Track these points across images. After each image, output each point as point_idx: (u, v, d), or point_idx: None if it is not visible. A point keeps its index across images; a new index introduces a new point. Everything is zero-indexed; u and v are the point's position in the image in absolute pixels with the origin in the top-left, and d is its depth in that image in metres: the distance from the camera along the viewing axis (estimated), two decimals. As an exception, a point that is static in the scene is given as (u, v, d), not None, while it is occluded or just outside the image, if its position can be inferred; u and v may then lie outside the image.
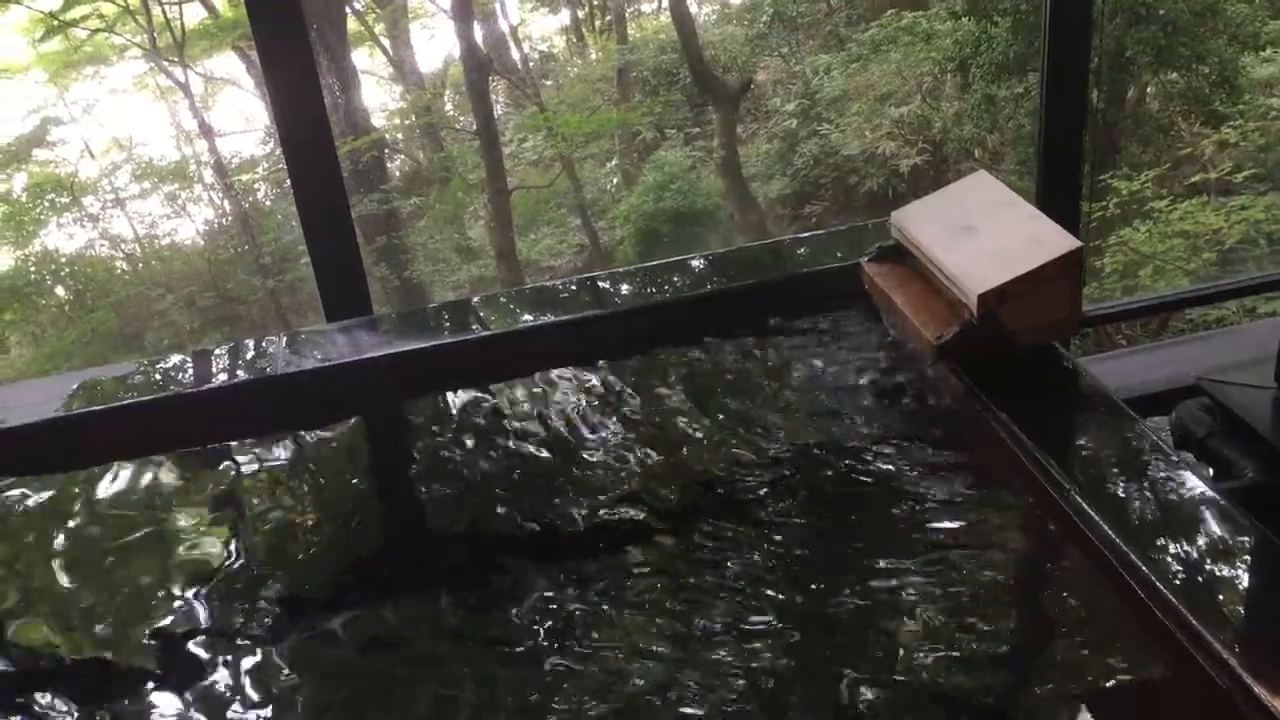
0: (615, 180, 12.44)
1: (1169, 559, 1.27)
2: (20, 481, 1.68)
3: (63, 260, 11.25)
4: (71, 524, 1.65)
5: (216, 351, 2.11)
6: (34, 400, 1.81)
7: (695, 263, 2.23)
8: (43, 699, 1.36)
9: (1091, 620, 1.31)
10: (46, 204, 11.10)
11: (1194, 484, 1.38)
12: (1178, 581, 1.22)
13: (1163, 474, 1.40)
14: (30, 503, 1.67)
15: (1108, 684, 1.22)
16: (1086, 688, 1.23)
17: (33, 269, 11.03)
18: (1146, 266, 8.06)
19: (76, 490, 1.69)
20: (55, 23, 10.62)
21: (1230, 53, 8.20)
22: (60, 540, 1.63)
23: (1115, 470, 1.44)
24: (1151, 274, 7.99)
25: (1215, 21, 8.17)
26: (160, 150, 11.67)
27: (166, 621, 1.46)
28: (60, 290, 11.41)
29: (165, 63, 11.11)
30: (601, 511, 1.54)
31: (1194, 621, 1.16)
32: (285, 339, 1.97)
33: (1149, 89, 9.10)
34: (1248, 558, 1.28)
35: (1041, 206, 1.94)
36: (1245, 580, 1.26)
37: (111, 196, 11.39)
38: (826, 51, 11.36)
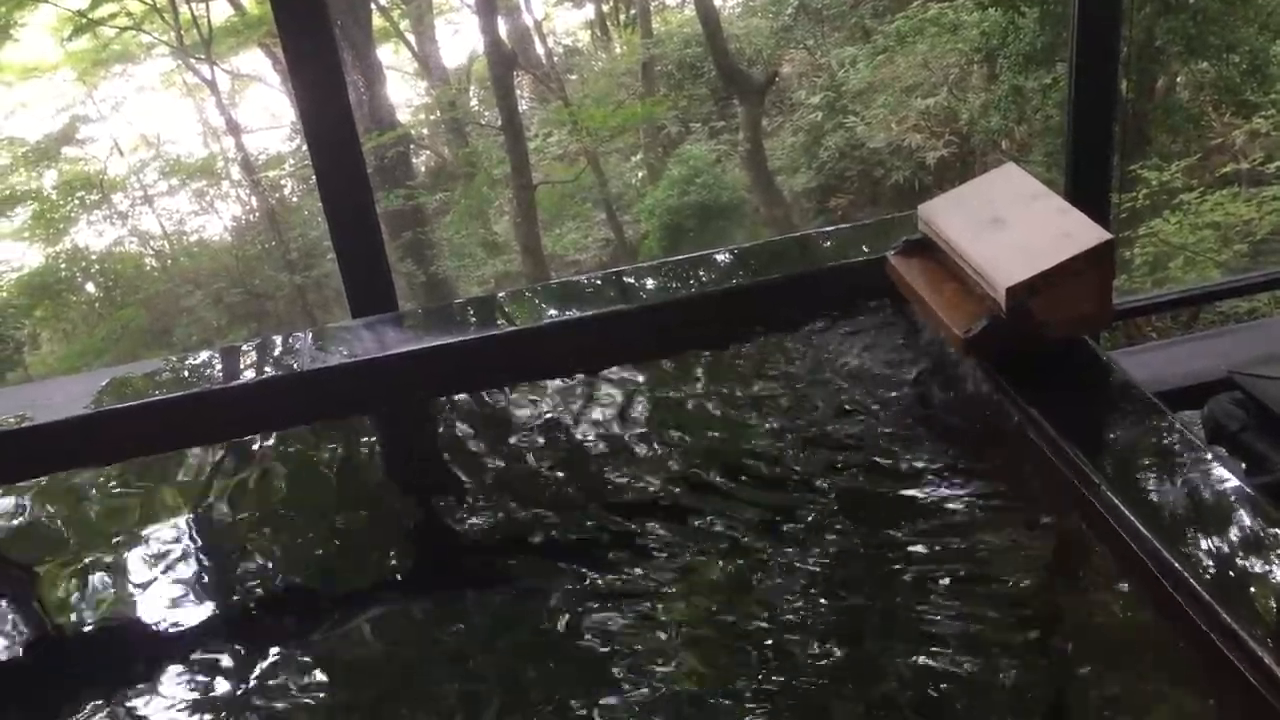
0: (640, 174, 12.42)
1: (1201, 554, 1.25)
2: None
3: (93, 257, 11.36)
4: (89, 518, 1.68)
5: (244, 347, 2.12)
6: (64, 397, 1.82)
7: (721, 257, 2.22)
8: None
9: (1123, 617, 1.30)
10: (76, 201, 11.20)
11: (1227, 478, 1.36)
12: (1210, 577, 1.21)
13: (1195, 469, 1.39)
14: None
15: (1140, 681, 1.21)
16: (1119, 685, 1.22)
17: (63, 266, 11.14)
18: (1177, 258, 7.99)
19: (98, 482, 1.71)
20: (83, 21, 10.69)
21: (1261, 41, 8.10)
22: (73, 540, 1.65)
23: (1147, 465, 1.42)
24: (1182, 265, 7.92)
25: (1246, 10, 8.07)
26: (188, 147, 11.77)
27: (188, 617, 1.47)
28: (90, 287, 11.53)
29: (192, 60, 11.18)
30: (623, 510, 1.54)
31: (1227, 617, 1.15)
32: (311, 335, 1.97)
33: (1179, 78, 9.01)
34: (1282, 553, 1.27)
35: (1070, 198, 1.92)
36: (1279, 575, 1.24)
37: (140, 193, 11.49)
38: (852, 43, 11.29)
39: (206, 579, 1.54)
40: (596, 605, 1.38)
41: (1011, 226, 1.65)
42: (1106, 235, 1.58)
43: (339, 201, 2.43)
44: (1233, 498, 1.34)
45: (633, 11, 13.48)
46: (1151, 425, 1.49)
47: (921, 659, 1.24)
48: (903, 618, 1.31)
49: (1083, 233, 1.58)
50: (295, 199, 11.82)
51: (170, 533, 1.64)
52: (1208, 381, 2.25)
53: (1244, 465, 1.98)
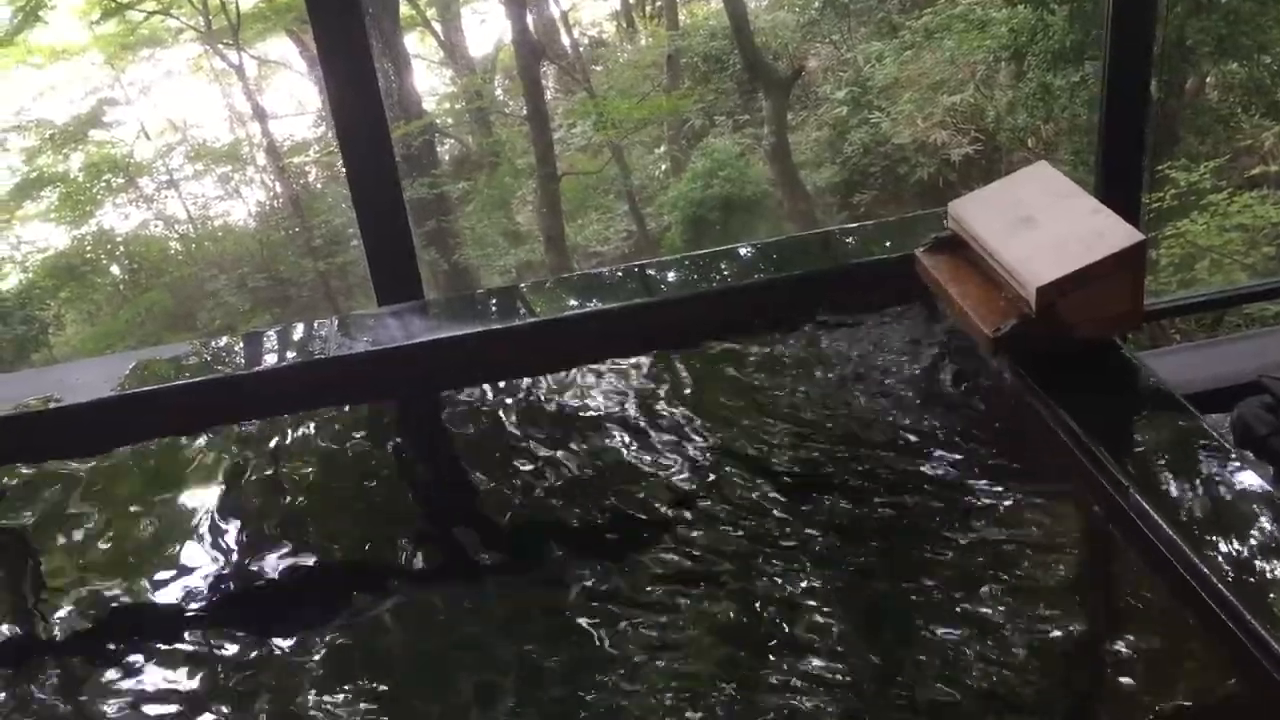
0: (664, 167, 12.40)
1: (1228, 559, 1.24)
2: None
3: (118, 240, 11.42)
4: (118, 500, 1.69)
5: (267, 333, 2.12)
6: (90, 380, 1.83)
7: (744, 251, 2.21)
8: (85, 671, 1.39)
9: (1149, 620, 1.29)
10: (103, 184, 11.26)
11: (1255, 483, 1.35)
12: (1236, 580, 1.20)
13: (1223, 472, 1.38)
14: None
15: (1166, 684, 1.20)
16: (1144, 687, 1.21)
17: (89, 248, 11.21)
18: (1204, 259, 7.92)
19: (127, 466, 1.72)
20: (112, 5, 10.74)
21: (1293, 43, 8.03)
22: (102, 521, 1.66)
23: (1174, 468, 1.41)
24: (1209, 267, 7.85)
25: (1278, 11, 8.00)
26: (214, 132, 11.81)
27: (205, 603, 1.47)
28: (115, 269, 11.59)
29: (220, 45, 11.22)
30: (643, 503, 1.54)
31: (1252, 620, 1.14)
32: (336, 322, 1.97)
33: (1209, 79, 8.93)
34: (1311, 559, 1.26)
35: (1101, 198, 1.91)
36: (1307, 582, 1.23)
37: (166, 177, 11.54)
38: (879, 38, 11.23)
39: (226, 565, 1.55)
40: (618, 598, 1.38)
41: (1042, 225, 1.64)
42: (1138, 236, 1.57)
43: (367, 189, 2.42)
44: (1260, 502, 1.33)
45: (659, 4, 13.45)
46: (1180, 428, 1.48)
47: (943, 660, 1.24)
48: (927, 620, 1.31)
49: (1114, 233, 1.57)
50: (319, 185, 11.85)
51: (188, 517, 1.65)
52: (1236, 385, 2.23)
53: (1272, 470, 1.96)
